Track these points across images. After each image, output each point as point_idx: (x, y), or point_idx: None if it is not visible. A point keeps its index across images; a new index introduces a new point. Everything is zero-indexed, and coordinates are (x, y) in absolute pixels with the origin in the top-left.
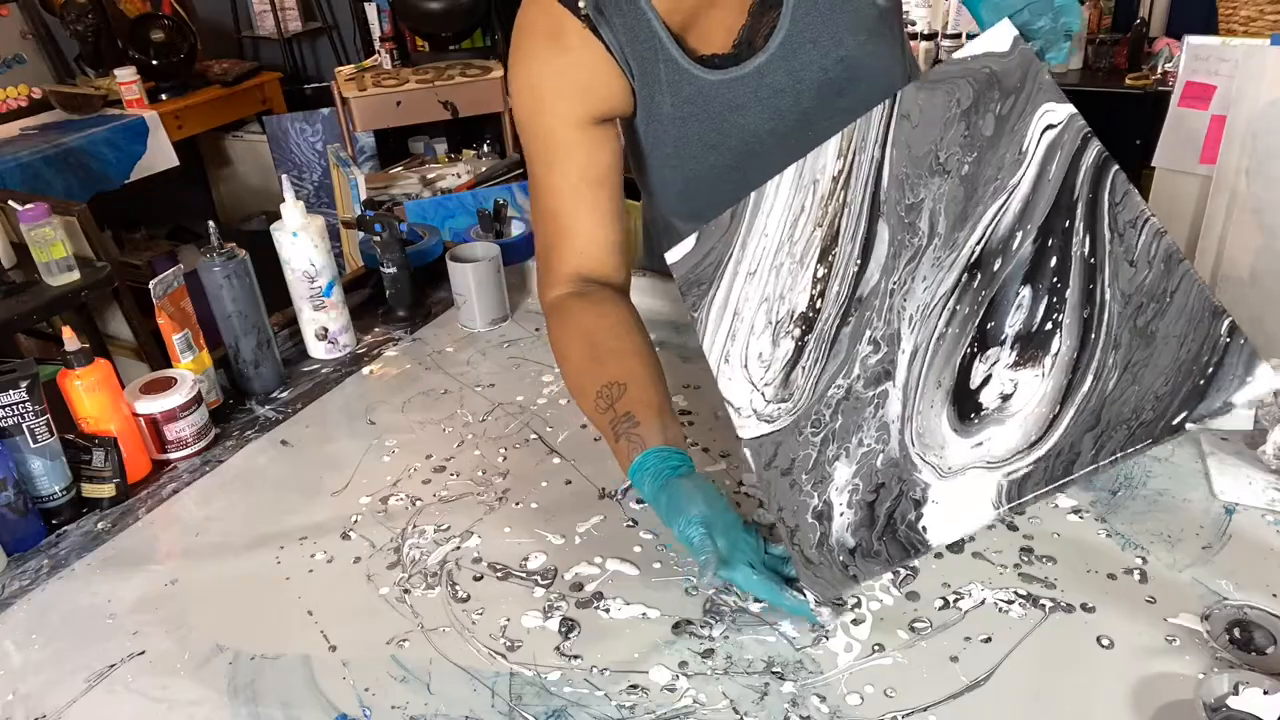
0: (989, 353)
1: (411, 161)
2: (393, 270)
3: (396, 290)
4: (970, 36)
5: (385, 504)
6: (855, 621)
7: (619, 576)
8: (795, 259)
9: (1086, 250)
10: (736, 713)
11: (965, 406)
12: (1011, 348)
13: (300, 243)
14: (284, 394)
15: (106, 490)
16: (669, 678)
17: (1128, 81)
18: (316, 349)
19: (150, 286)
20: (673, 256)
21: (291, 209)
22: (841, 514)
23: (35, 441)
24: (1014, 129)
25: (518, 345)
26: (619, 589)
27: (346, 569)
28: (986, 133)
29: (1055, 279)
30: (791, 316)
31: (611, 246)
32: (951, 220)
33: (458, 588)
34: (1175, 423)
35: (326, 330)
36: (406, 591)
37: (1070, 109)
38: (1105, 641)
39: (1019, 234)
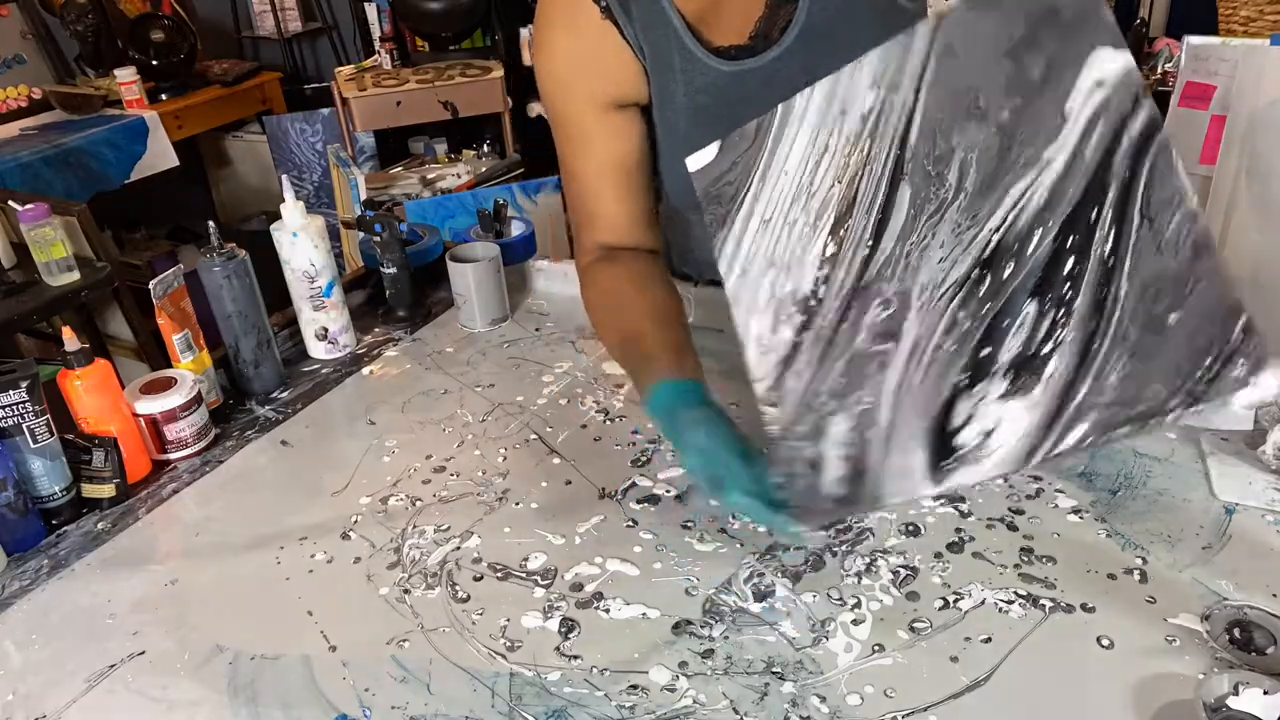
0: (978, 388)
1: (411, 162)
2: (393, 270)
3: (396, 290)
4: None
5: (385, 504)
6: (855, 622)
7: (619, 576)
8: (810, 219)
9: (1108, 249)
10: (736, 713)
11: (941, 449)
12: (1004, 377)
13: (300, 243)
14: (284, 394)
15: (106, 490)
16: (669, 678)
17: None
18: (316, 349)
19: (150, 286)
20: (695, 163)
21: (291, 209)
22: (833, 467)
23: (35, 441)
24: (1061, 80)
25: (518, 345)
26: (619, 589)
27: (346, 569)
28: (1034, 76)
29: (1067, 288)
30: (794, 298)
31: (638, 219)
32: (982, 179)
33: (458, 588)
34: (1167, 417)
35: (326, 330)
36: (406, 592)
37: (1126, 61)
38: (1105, 641)
39: (1039, 231)
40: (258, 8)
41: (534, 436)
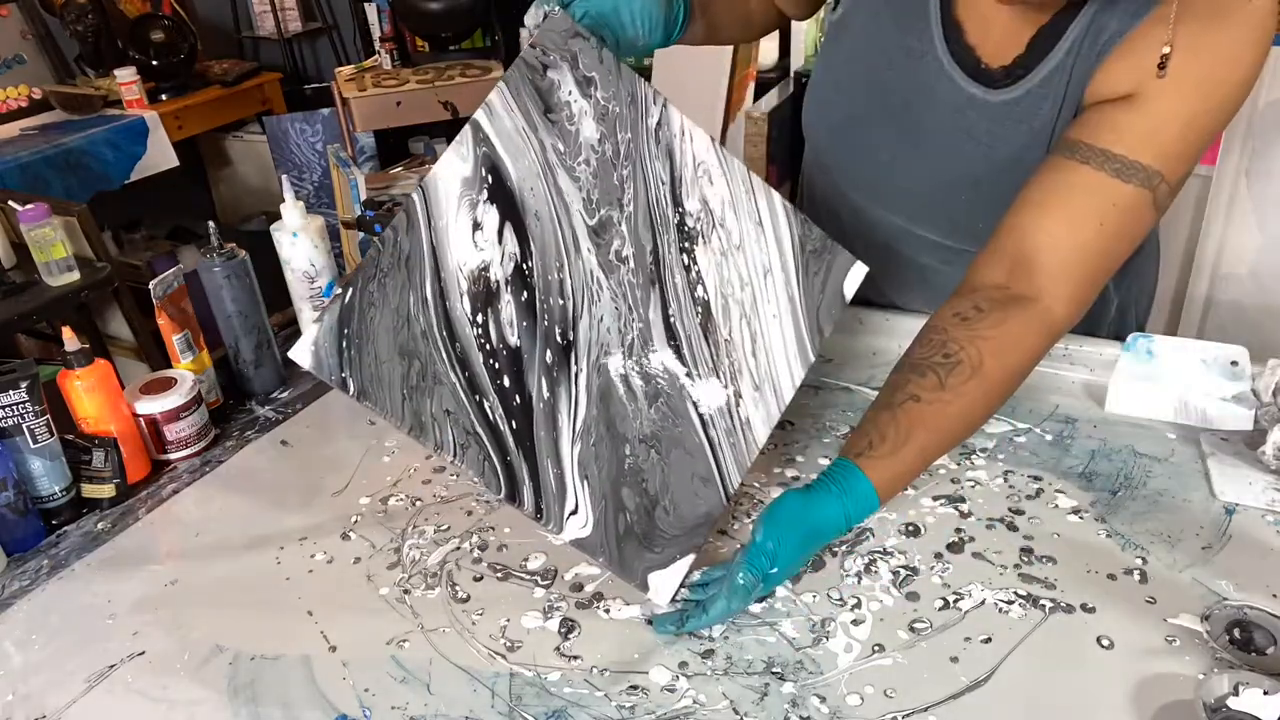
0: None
1: (411, 162)
2: None
3: None
4: None
5: (385, 504)
6: (855, 622)
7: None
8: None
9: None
10: (736, 713)
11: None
12: None
13: (300, 243)
14: (284, 394)
15: (106, 490)
16: (669, 678)
17: None
18: None
19: (150, 287)
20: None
21: (291, 209)
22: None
23: (35, 442)
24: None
25: None
26: (619, 589)
27: (346, 569)
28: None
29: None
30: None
31: None
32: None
33: (458, 588)
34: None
35: None
36: (406, 592)
37: None
38: (1105, 642)
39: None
40: (258, 8)
41: None
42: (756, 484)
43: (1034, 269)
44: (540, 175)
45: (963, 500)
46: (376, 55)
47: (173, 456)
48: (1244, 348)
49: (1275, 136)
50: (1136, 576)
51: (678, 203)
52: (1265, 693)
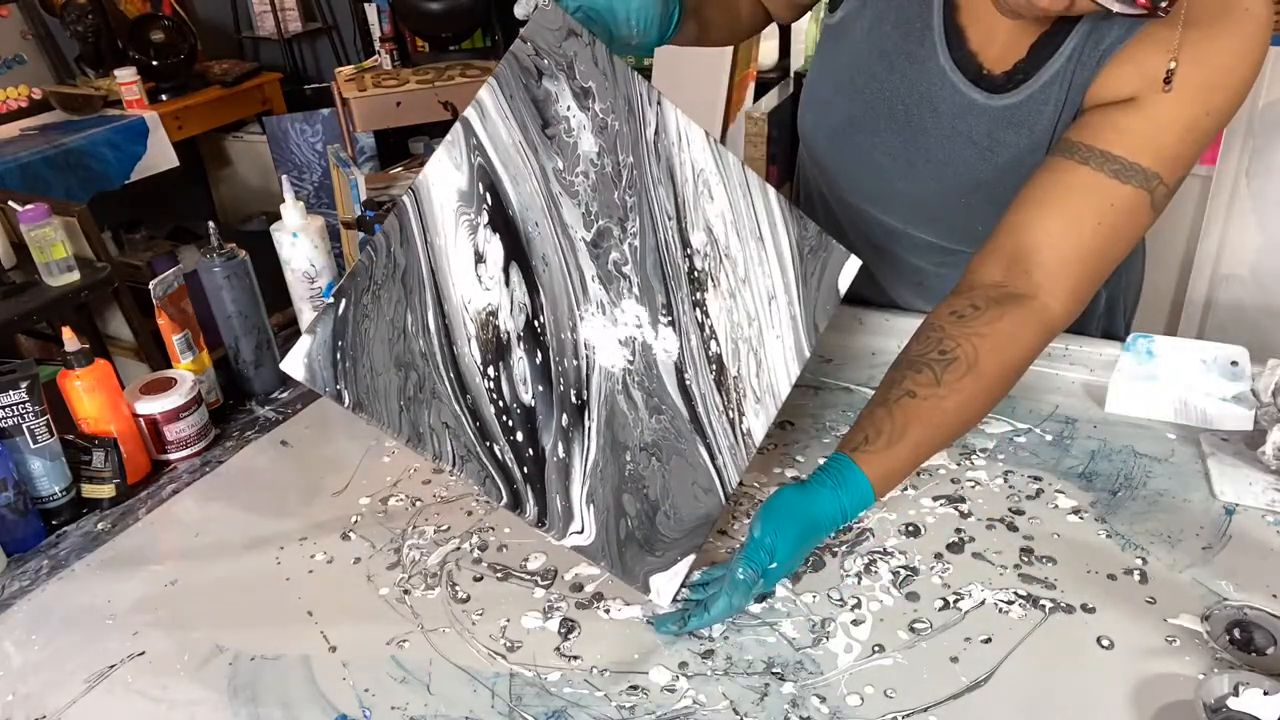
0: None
1: (411, 162)
2: None
3: None
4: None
5: (385, 505)
6: (855, 622)
7: None
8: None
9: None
10: (736, 713)
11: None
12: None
13: (300, 243)
14: (284, 394)
15: (106, 491)
16: (669, 678)
17: None
18: None
19: (150, 287)
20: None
21: (291, 209)
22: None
23: (35, 442)
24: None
25: None
26: (619, 589)
27: (346, 569)
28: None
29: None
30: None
31: None
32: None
33: (458, 588)
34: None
35: None
36: (406, 592)
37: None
38: (1105, 642)
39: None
40: (258, 8)
41: None
42: (756, 484)
43: (1031, 266)
44: (545, 210)
45: (963, 500)
46: (376, 55)
47: (173, 457)
48: (1244, 348)
49: (1275, 136)
50: (1136, 576)
51: (685, 242)
52: (1265, 693)
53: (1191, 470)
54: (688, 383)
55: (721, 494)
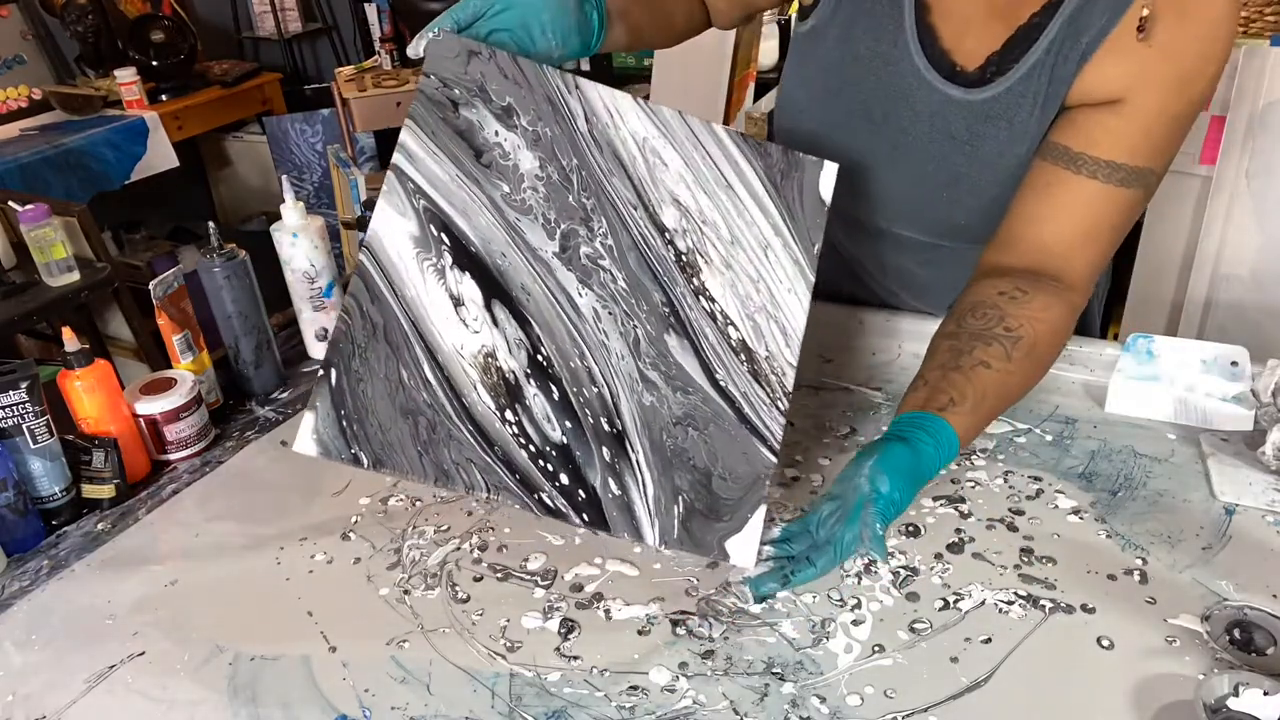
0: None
1: None
2: None
3: None
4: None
5: (385, 505)
6: (855, 622)
7: (619, 577)
8: None
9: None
10: (736, 714)
11: None
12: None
13: (300, 243)
14: (284, 394)
15: (106, 491)
16: (669, 678)
17: None
18: (316, 350)
19: (150, 287)
20: None
21: (291, 210)
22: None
23: (35, 442)
24: None
25: None
26: (619, 589)
27: (346, 570)
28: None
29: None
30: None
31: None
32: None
33: (458, 588)
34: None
35: (326, 331)
36: (406, 592)
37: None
38: (1105, 642)
39: None
40: (258, 8)
41: None
42: None
43: (1058, 271)
44: (508, 241)
45: (963, 500)
46: (376, 55)
47: (173, 457)
48: (1244, 348)
49: (1275, 136)
50: (1136, 577)
51: (660, 227)
52: (1265, 693)
53: (1191, 470)
54: (723, 384)
55: (768, 450)
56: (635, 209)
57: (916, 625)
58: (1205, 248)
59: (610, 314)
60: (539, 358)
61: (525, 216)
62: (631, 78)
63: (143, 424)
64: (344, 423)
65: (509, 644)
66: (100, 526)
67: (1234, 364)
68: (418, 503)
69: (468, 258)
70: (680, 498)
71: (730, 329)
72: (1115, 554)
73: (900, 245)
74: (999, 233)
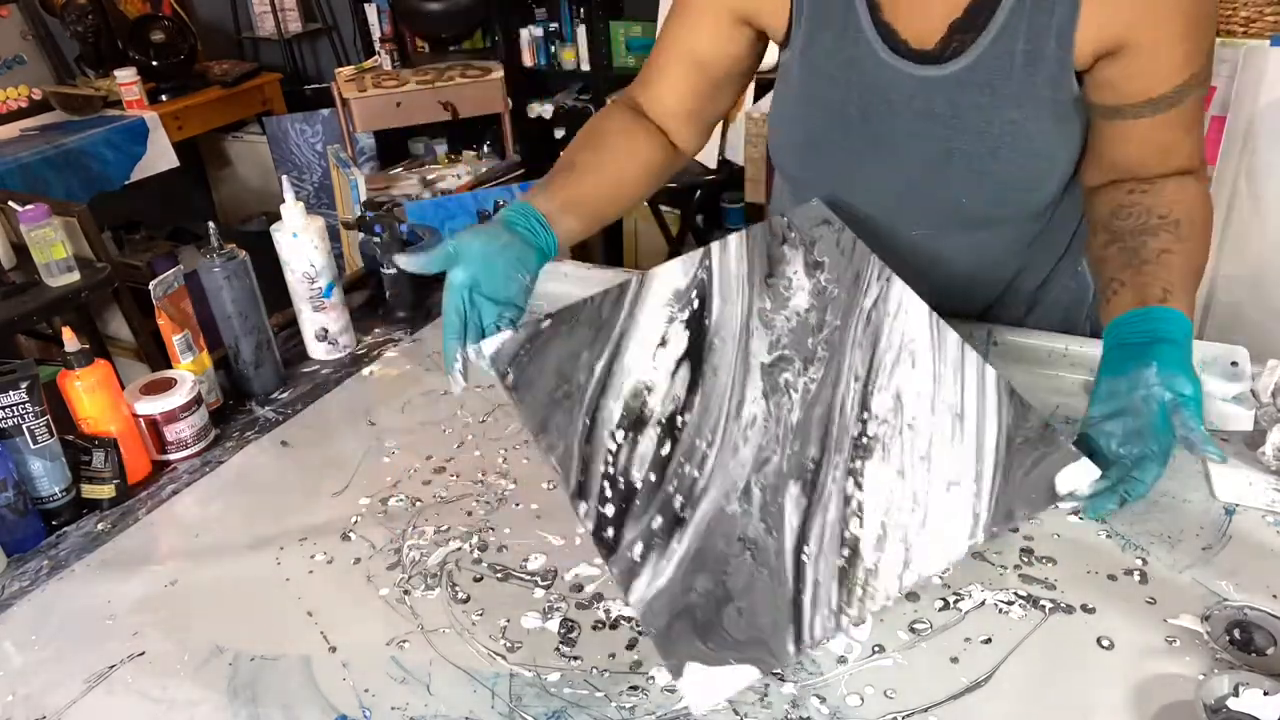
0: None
1: (411, 162)
2: (393, 271)
3: (397, 291)
4: None
5: (385, 505)
6: (855, 623)
7: None
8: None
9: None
10: (736, 714)
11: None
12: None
13: (300, 244)
14: (284, 395)
15: (106, 491)
16: (669, 678)
17: None
18: (316, 350)
19: (150, 287)
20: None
21: (291, 210)
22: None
23: (35, 442)
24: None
25: None
26: (619, 590)
27: (346, 570)
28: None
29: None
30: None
31: (684, 113)
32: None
33: (458, 589)
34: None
35: (326, 331)
36: (406, 592)
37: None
38: (1105, 642)
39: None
40: (258, 8)
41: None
42: None
43: (1165, 172)
44: (736, 335)
45: None
46: (376, 56)
47: (173, 457)
48: (1244, 348)
49: (1275, 136)
50: (1136, 577)
51: (865, 405)
52: (1265, 693)
53: (1191, 470)
54: (804, 558)
55: (792, 643)
56: (856, 381)
57: (916, 625)
58: None
59: (763, 430)
60: (678, 419)
61: (764, 329)
62: (632, 78)
63: (143, 424)
64: (522, 351)
65: (509, 644)
66: (100, 527)
67: (1234, 364)
68: (418, 503)
69: (697, 323)
70: (689, 595)
71: (854, 520)
72: (1115, 554)
73: (898, 238)
74: (1087, 170)
